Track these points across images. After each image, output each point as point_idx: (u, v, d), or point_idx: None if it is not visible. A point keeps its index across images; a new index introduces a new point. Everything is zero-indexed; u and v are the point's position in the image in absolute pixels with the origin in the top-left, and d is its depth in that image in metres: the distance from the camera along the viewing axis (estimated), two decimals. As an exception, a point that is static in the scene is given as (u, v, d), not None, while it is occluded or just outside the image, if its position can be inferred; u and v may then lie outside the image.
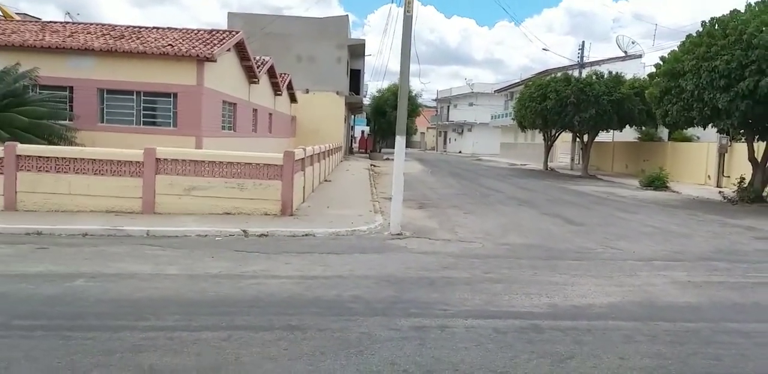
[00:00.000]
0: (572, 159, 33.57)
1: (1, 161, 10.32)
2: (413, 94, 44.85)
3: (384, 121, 43.92)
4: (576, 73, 30.15)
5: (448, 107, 66.92)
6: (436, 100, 71.38)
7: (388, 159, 39.27)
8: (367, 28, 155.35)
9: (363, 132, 52.90)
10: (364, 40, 39.15)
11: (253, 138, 22.91)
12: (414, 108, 43.23)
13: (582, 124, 26.11)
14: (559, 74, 28.49)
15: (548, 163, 32.89)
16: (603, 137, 30.54)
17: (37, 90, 15.58)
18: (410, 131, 49.67)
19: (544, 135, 31.76)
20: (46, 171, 10.44)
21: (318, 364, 4.15)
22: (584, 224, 11.78)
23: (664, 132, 30.49)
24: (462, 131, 63.90)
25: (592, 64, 33.18)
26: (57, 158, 10.48)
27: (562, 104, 25.72)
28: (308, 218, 10.64)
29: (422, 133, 77.75)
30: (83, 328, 4.74)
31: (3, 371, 3.89)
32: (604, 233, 10.78)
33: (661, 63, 17.72)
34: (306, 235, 9.23)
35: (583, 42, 33.84)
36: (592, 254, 8.74)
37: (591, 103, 25.25)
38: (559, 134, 31.49)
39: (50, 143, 13.08)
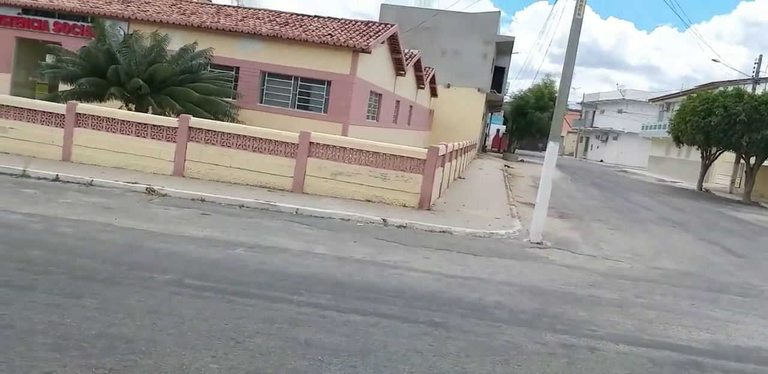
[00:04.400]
0: (732, 182, 30.42)
1: (175, 132, 11.39)
2: (556, 95, 43.20)
3: (523, 121, 42.76)
4: (749, 89, 27.16)
5: (594, 112, 63.62)
6: (581, 103, 68.13)
7: (522, 161, 38.29)
8: (514, 24, 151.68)
9: (498, 131, 51.98)
10: (513, 37, 38.14)
11: (393, 129, 23.34)
12: (557, 111, 41.63)
13: (751, 145, 23.49)
14: (729, 88, 25.82)
15: (703, 183, 30.11)
16: (772, 160, 27.29)
17: (209, 68, 16.90)
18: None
19: (702, 152, 29.03)
20: (212, 144, 11.36)
21: (465, 366, 4.12)
22: (747, 257, 10.62)
23: None
24: (607, 138, 60.50)
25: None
26: (223, 132, 11.36)
27: (730, 121, 23.27)
28: (444, 215, 10.63)
29: (562, 137, 74.76)
30: (245, 295, 5.10)
31: (179, 325, 4.28)
32: (772, 269, 9.65)
33: None
34: (443, 231, 9.23)
35: (761, 56, 30.31)
36: (757, 291, 7.86)
37: (765, 123, 22.63)
38: (720, 153, 28.64)
39: (215, 118, 14.19)
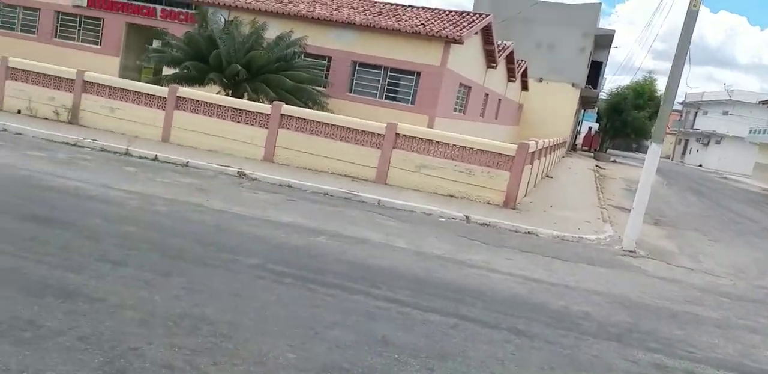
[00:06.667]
0: None
1: (268, 118, 11.65)
2: (658, 95, 40.66)
3: (618, 120, 40.65)
4: None
5: (696, 113, 59.55)
6: (682, 103, 63.90)
7: (614, 161, 36.52)
8: (614, 17, 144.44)
9: (590, 129, 49.87)
10: (613, 30, 36.33)
11: (480, 123, 22.88)
12: (657, 110, 39.24)
13: None
14: None
15: (816, 195, 27.46)
16: None
17: (302, 57, 17.17)
18: (646, 135, 45.39)
19: (819, 161, 26.46)
20: (302, 132, 11.54)
21: (547, 379, 3.89)
22: None
23: None
24: (708, 142, 56.50)
25: None
26: (313, 121, 11.50)
27: None
28: (530, 215, 10.24)
29: (657, 138, 70.68)
30: (325, 284, 5.09)
31: (260, 311, 4.32)
32: None
33: None
34: (528, 233, 8.88)
35: None
36: None
37: None
38: (840, 163, 25.98)
39: (306, 106, 14.43)
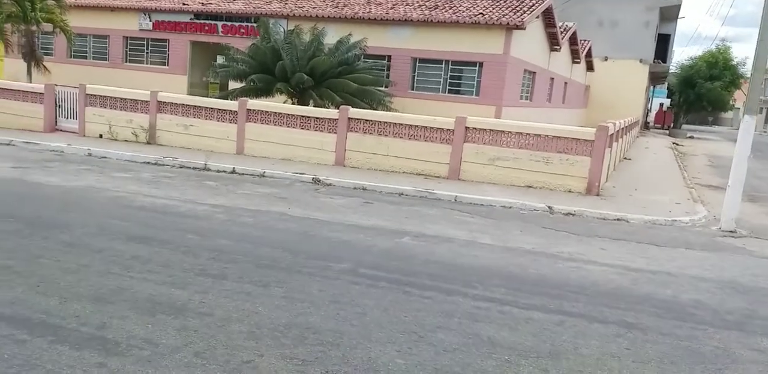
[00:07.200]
0: None
1: (335, 123, 11.75)
2: (734, 63, 38.19)
3: (692, 93, 38.52)
4: None
5: (778, 79, 55.48)
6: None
7: (692, 137, 34.64)
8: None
9: (661, 105, 47.49)
10: (680, 0, 34.34)
11: (547, 108, 22.24)
12: (734, 80, 36.89)
13: None
14: None
15: None
16: None
17: (363, 59, 17.18)
18: (724, 107, 42.88)
19: None
20: (370, 133, 11.56)
21: (671, 376, 3.67)
22: None
23: None
24: (794, 109, 52.56)
25: None
26: (380, 122, 11.50)
27: None
28: (616, 200, 9.82)
29: (737, 108, 66.46)
30: (419, 286, 5.04)
31: (361, 316, 4.31)
32: None
33: None
34: (618, 219, 8.50)
35: None
36: None
37: None
38: None
39: (371, 107, 14.46)
